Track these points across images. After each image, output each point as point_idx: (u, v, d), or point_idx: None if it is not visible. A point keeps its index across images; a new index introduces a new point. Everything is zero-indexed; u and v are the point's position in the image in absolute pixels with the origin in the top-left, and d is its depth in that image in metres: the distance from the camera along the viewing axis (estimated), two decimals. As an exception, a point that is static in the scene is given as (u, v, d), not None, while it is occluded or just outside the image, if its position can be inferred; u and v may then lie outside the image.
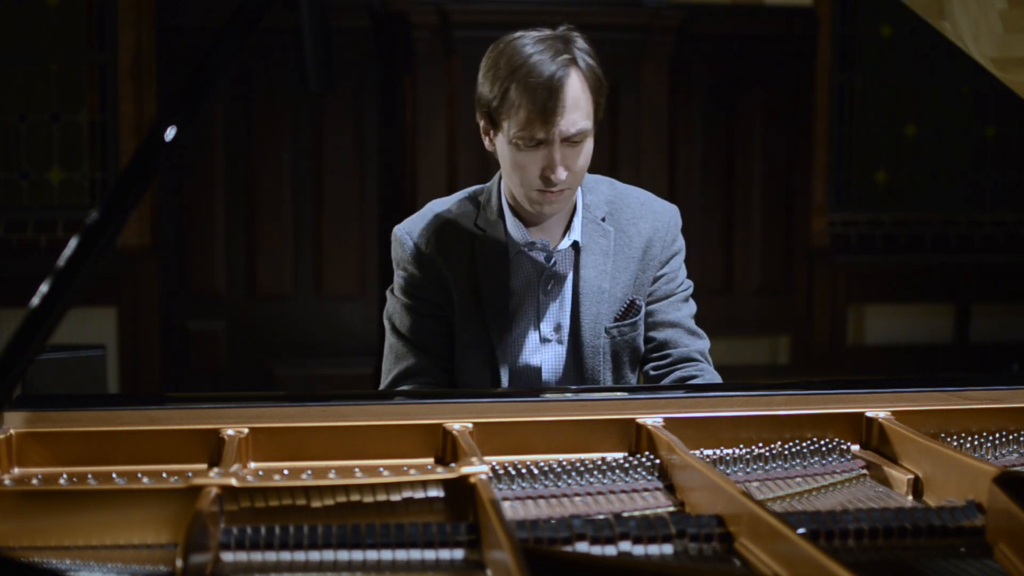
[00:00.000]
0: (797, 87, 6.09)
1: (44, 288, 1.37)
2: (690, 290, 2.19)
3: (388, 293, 2.15)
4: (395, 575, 1.27)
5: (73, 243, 1.39)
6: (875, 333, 6.41)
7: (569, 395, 1.86)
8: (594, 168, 2.10)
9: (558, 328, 2.11)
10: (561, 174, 1.93)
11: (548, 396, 1.82)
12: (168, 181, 5.65)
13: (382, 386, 2.11)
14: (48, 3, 5.66)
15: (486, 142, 2.04)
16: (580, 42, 1.97)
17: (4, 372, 1.34)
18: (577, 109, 1.92)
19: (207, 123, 5.60)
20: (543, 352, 2.12)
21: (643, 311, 2.14)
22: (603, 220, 2.11)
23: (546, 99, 1.88)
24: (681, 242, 2.18)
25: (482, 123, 2.02)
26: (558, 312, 2.11)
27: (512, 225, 2.08)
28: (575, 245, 2.09)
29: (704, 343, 2.17)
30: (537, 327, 2.11)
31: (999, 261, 6.49)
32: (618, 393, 1.90)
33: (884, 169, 6.53)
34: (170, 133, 1.45)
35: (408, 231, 2.11)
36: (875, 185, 6.54)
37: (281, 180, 5.76)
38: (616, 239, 2.11)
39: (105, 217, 1.41)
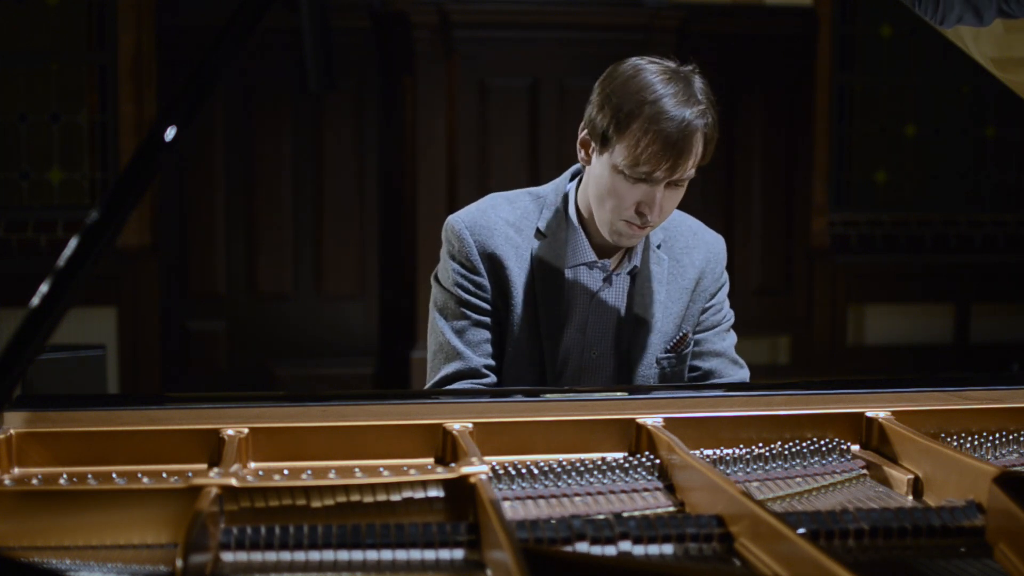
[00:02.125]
0: (797, 87, 6.09)
1: (44, 288, 1.36)
2: (732, 320, 2.20)
3: (435, 282, 2.10)
4: (395, 575, 1.27)
5: (73, 243, 1.39)
6: (875, 333, 6.41)
7: (569, 395, 1.86)
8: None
9: (604, 352, 2.09)
10: (657, 213, 1.94)
11: (548, 396, 1.82)
12: (168, 181, 5.65)
13: (428, 384, 2.08)
14: (48, 3, 5.66)
15: (581, 155, 2.02)
16: (702, 85, 1.94)
17: (4, 372, 1.34)
18: (694, 157, 1.93)
19: (207, 123, 5.60)
20: (588, 372, 2.10)
21: (692, 343, 2.14)
22: (658, 247, 2.10)
23: (676, 143, 1.87)
24: (727, 274, 2.19)
25: (584, 135, 1.99)
26: (605, 336, 2.09)
27: (577, 237, 2.05)
28: (631, 271, 2.08)
29: (745, 372, 2.18)
30: (584, 347, 2.09)
31: (999, 261, 6.49)
32: (618, 393, 1.90)
33: (884, 169, 6.53)
34: (170, 133, 1.45)
35: (468, 224, 2.05)
36: (875, 185, 6.54)
37: (281, 180, 5.76)
38: (670, 268, 2.10)
39: (105, 217, 1.41)
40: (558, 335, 2.06)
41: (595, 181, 1.98)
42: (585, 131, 1.99)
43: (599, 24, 5.53)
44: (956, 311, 6.45)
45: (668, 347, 2.10)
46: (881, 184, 6.54)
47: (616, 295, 2.08)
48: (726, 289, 2.18)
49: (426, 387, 2.10)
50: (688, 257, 2.12)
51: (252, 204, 5.75)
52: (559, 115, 5.54)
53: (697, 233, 2.16)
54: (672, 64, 1.95)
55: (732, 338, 2.20)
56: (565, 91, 5.52)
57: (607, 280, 2.07)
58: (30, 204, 5.70)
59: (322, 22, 5.30)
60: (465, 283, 2.04)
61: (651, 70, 1.92)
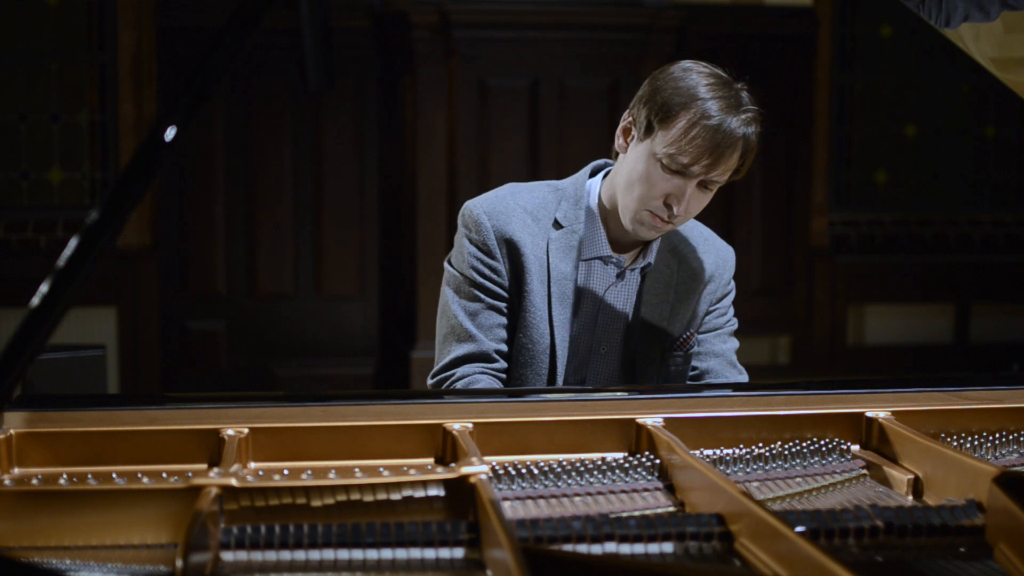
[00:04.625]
0: (797, 87, 6.09)
1: (44, 288, 1.36)
2: (735, 327, 2.23)
3: (448, 266, 2.12)
4: (395, 574, 1.27)
5: (73, 243, 1.38)
6: (875, 333, 6.41)
7: (569, 395, 1.86)
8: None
9: (612, 347, 2.11)
10: (682, 208, 1.96)
11: (548, 396, 1.82)
12: (168, 181, 5.65)
13: (438, 365, 2.09)
14: (48, 3, 5.66)
15: (619, 141, 2.04)
16: (749, 98, 1.99)
17: (4, 372, 1.34)
18: (731, 164, 1.96)
19: (207, 123, 5.60)
20: (595, 365, 2.12)
21: (696, 344, 2.17)
22: (670, 250, 2.14)
23: (720, 143, 1.91)
24: (734, 283, 2.24)
25: (627, 122, 2.02)
26: (614, 331, 2.11)
27: (595, 230, 2.08)
28: (644, 268, 2.11)
29: (743, 378, 2.21)
30: (593, 341, 2.11)
31: (999, 261, 6.49)
32: (618, 393, 1.90)
33: (884, 169, 6.53)
34: (170, 133, 1.45)
35: (486, 209, 2.07)
36: (875, 185, 6.54)
37: (281, 180, 5.76)
38: (680, 271, 2.13)
39: (105, 217, 1.41)
40: (569, 328, 2.08)
41: (628, 168, 2.00)
42: (629, 118, 2.02)
43: (599, 24, 5.52)
44: (956, 311, 6.45)
45: (675, 346, 2.13)
46: (881, 184, 6.54)
47: (627, 291, 2.11)
48: (731, 297, 2.24)
49: (435, 369, 2.11)
50: (698, 262, 2.16)
51: (252, 204, 5.75)
52: (559, 115, 5.54)
53: (708, 240, 2.21)
54: (723, 73, 2.00)
55: (733, 343, 2.23)
56: (565, 91, 5.52)
57: (620, 276, 2.09)
58: (30, 204, 5.70)
59: (322, 22, 5.31)
60: (481, 267, 2.06)
61: (704, 72, 1.98)
